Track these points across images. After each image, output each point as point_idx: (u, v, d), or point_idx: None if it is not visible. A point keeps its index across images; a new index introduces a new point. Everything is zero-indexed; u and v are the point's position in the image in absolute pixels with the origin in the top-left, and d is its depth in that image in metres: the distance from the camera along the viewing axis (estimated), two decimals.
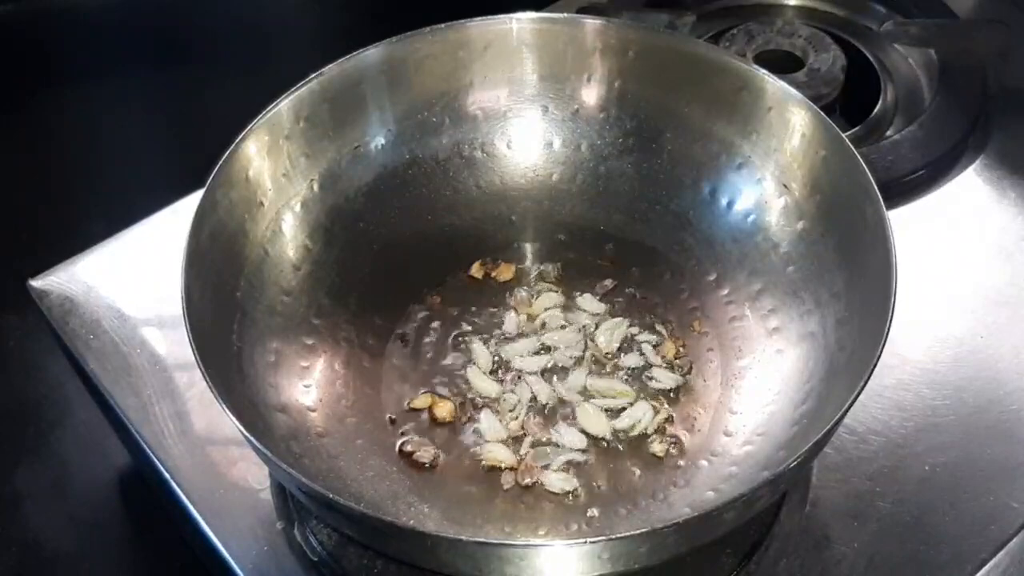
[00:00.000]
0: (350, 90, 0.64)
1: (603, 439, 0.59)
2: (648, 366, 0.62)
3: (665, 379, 0.61)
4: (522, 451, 0.58)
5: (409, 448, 0.58)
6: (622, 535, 0.47)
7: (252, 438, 0.49)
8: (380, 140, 0.66)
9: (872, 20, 0.83)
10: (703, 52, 0.64)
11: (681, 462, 0.58)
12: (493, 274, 0.66)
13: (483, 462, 0.58)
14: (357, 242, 0.65)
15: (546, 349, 0.63)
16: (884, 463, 0.59)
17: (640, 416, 0.59)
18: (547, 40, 0.66)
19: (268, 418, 0.56)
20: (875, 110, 0.76)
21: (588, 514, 0.56)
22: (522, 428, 0.59)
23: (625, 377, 0.62)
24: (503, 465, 0.58)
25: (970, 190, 0.72)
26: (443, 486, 0.57)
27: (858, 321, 0.56)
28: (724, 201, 0.65)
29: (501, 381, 0.61)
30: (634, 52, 0.65)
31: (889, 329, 0.50)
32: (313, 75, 0.62)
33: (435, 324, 0.64)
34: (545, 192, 0.68)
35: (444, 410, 0.60)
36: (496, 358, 0.62)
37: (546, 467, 0.58)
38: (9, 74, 0.95)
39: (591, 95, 0.67)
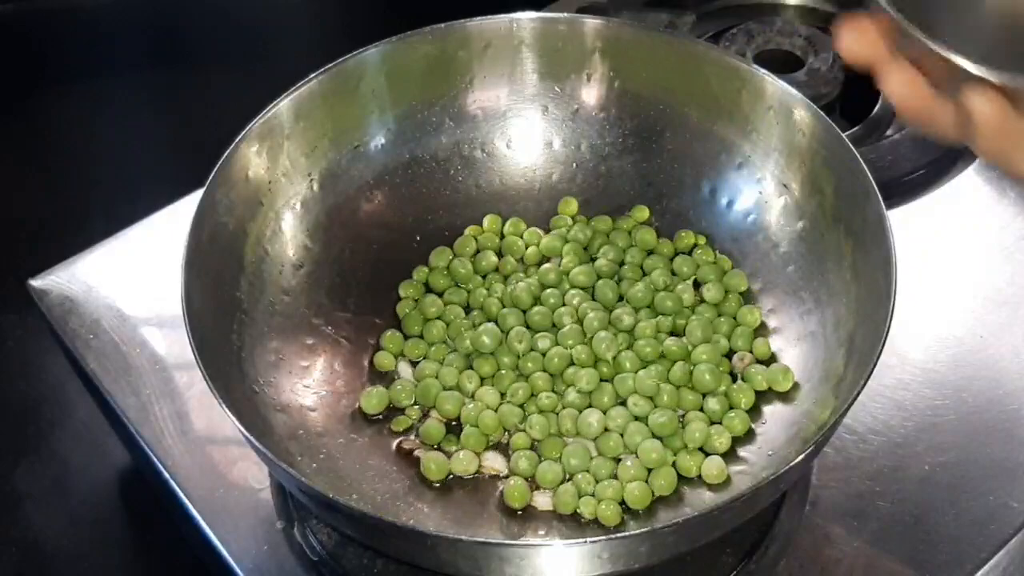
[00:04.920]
0: (350, 90, 0.64)
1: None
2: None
3: None
4: (520, 463, 0.57)
5: (409, 447, 0.58)
6: (622, 535, 0.47)
7: (252, 438, 0.49)
8: (380, 140, 0.66)
9: None
10: (703, 52, 0.64)
11: None
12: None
13: (482, 469, 0.57)
14: (357, 242, 0.65)
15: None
16: (884, 463, 0.59)
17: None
18: (547, 40, 0.66)
19: (268, 418, 0.56)
20: (875, 110, 0.76)
21: None
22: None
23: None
24: (500, 473, 0.57)
25: (970, 190, 0.72)
26: (443, 486, 0.57)
27: (858, 321, 0.56)
28: (724, 201, 0.65)
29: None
30: (634, 52, 0.65)
31: (889, 329, 0.50)
32: (313, 75, 0.62)
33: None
34: (545, 192, 0.68)
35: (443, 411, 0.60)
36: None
37: (537, 488, 0.56)
38: (9, 74, 0.95)
39: (591, 95, 0.67)
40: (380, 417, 0.59)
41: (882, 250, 0.53)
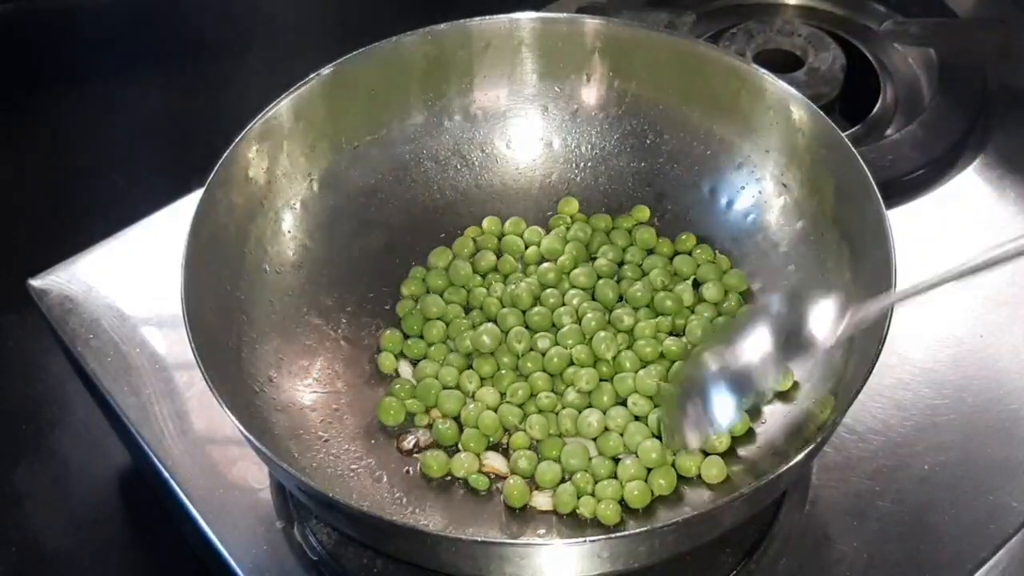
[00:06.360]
0: (350, 90, 0.64)
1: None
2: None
3: None
4: (520, 463, 0.57)
5: (408, 447, 0.58)
6: (622, 534, 0.47)
7: (252, 438, 0.49)
8: (380, 140, 0.66)
9: (872, 19, 0.83)
10: (703, 52, 0.64)
11: None
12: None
13: (483, 469, 0.57)
14: (357, 242, 0.65)
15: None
16: (884, 462, 0.59)
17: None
18: (547, 40, 0.66)
19: (268, 418, 0.56)
20: (875, 109, 0.76)
21: None
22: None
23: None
24: (501, 473, 0.57)
25: (970, 189, 0.72)
26: (443, 485, 0.57)
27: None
28: (724, 201, 0.65)
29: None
30: (634, 52, 0.65)
31: (888, 328, 0.50)
32: (313, 75, 0.62)
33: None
34: (545, 192, 0.68)
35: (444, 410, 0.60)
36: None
37: (537, 488, 0.56)
38: (9, 74, 0.95)
39: (591, 95, 0.67)
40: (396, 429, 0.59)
41: (882, 250, 0.53)
